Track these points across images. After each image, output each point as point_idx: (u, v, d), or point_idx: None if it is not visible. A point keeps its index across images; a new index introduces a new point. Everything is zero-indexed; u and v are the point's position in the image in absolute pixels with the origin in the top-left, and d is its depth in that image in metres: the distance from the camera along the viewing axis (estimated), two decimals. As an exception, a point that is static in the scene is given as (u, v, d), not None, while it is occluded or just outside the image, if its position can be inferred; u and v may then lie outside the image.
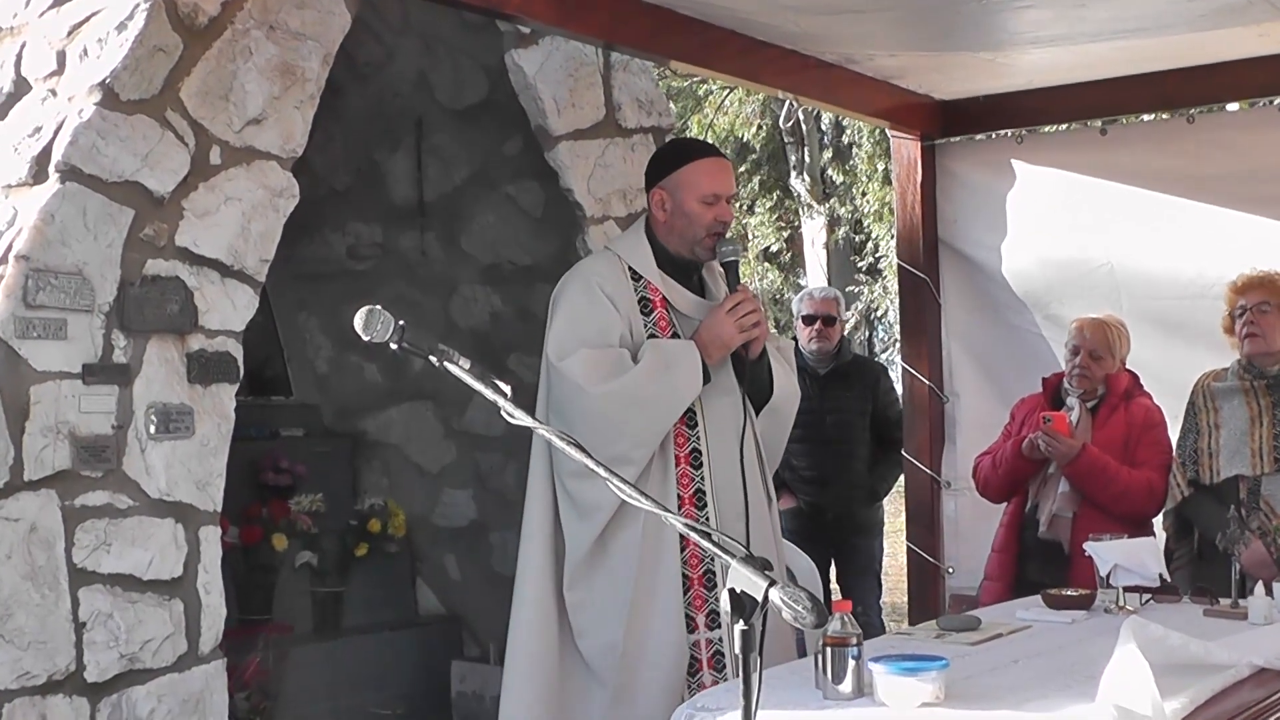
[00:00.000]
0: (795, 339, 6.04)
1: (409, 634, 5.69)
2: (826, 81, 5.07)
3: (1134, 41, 4.71)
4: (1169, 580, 3.83)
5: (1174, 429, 4.55)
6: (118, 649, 3.57)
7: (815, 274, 16.53)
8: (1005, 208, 5.62)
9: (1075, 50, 4.82)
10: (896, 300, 6.29)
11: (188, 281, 3.76)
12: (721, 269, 3.56)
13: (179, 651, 3.70)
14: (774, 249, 17.66)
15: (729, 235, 3.54)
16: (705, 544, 2.01)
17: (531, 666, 3.42)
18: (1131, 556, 3.69)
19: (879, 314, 17.43)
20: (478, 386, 2.20)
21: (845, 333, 6.25)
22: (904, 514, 5.94)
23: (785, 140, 16.44)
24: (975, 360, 5.76)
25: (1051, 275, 5.51)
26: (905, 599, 6.04)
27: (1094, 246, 5.41)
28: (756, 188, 17.34)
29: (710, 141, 15.76)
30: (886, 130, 6.13)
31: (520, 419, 2.16)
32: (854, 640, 2.65)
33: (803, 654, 3.49)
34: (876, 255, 16.29)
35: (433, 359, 2.27)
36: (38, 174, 3.56)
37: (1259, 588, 3.47)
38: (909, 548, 5.79)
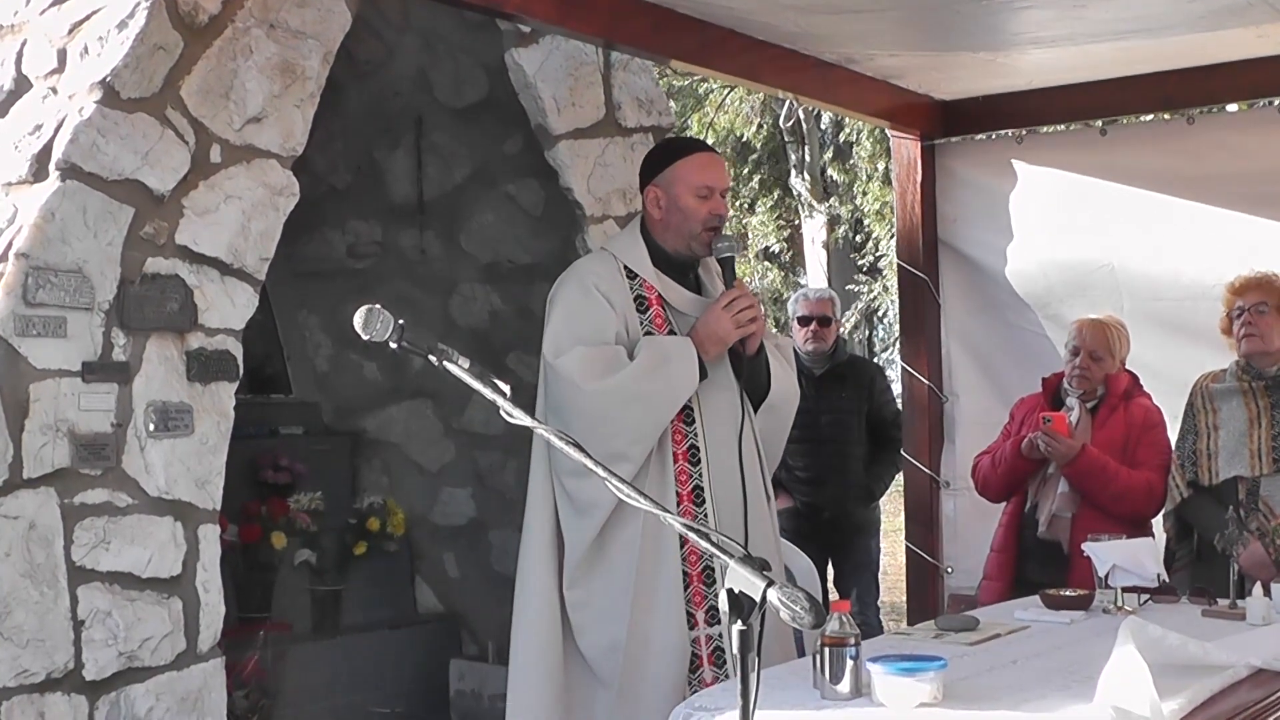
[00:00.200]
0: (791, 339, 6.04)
1: (408, 632, 5.69)
2: (826, 81, 5.07)
3: (1134, 42, 4.72)
4: (1167, 581, 3.83)
5: (1174, 429, 4.54)
6: (116, 647, 3.57)
7: (815, 273, 16.53)
8: (1005, 208, 5.62)
9: (1075, 51, 4.82)
10: (896, 299, 6.28)
11: (187, 280, 3.77)
12: (718, 265, 3.56)
13: (177, 650, 3.71)
14: (774, 248, 17.65)
15: (725, 231, 3.53)
16: (703, 544, 2.00)
17: (537, 669, 3.42)
18: (1130, 557, 3.68)
19: (879, 313, 17.43)
20: (477, 386, 2.20)
21: (842, 333, 6.25)
22: (903, 514, 5.94)
23: (785, 139, 16.44)
24: (975, 360, 5.76)
25: (1052, 276, 5.51)
26: (904, 598, 6.04)
27: (1094, 247, 5.41)
28: (757, 187, 17.34)
29: (707, 139, 15.80)
30: (886, 130, 6.13)
31: (519, 418, 2.16)
32: (852, 640, 2.65)
33: (803, 653, 3.50)
34: (877, 254, 16.29)
35: (432, 358, 2.27)
36: (38, 172, 3.57)
37: (1257, 588, 3.47)
38: (908, 547, 5.79)
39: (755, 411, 3.57)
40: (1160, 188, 5.29)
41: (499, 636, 5.44)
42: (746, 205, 17.47)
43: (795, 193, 16.77)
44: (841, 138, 16.02)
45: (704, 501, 3.43)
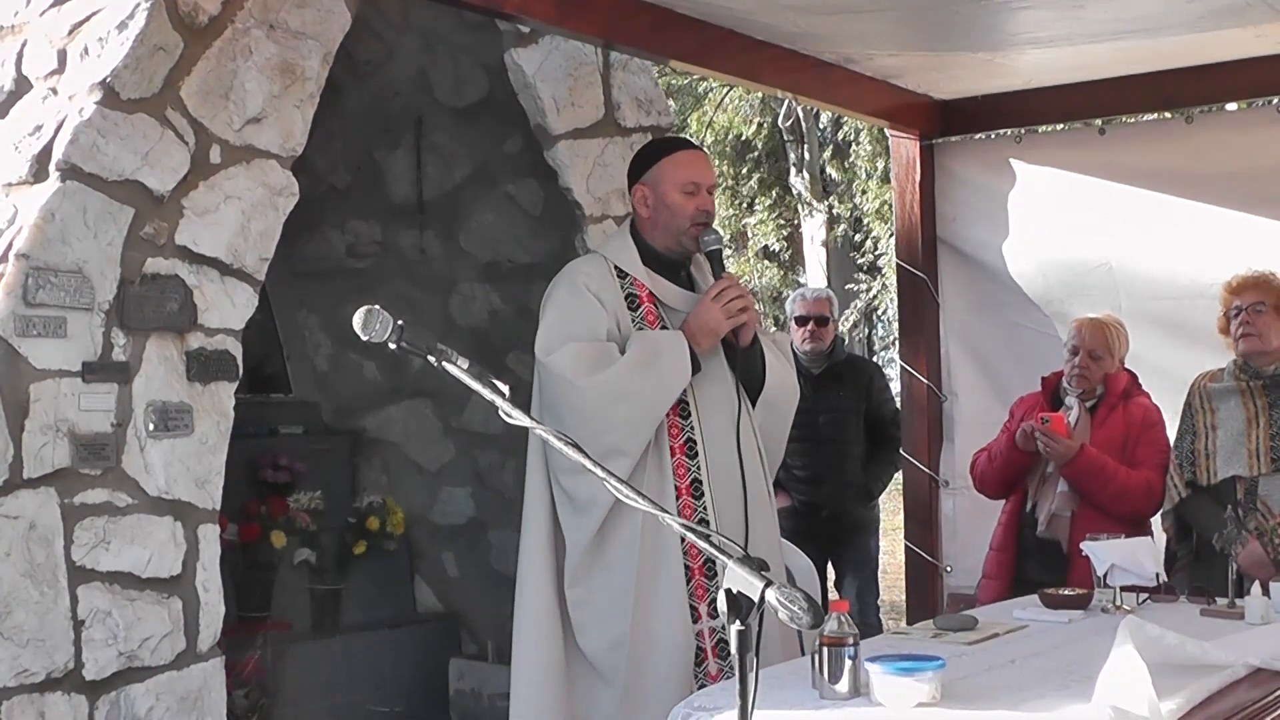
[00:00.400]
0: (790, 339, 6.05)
1: (407, 632, 5.69)
2: (825, 81, 5.07)
3: (1132, 42, 4.72)
4: (1166, 580, 3.83)
5: (1173, 428, 4.55)
6: (116, 647, 3.57)
7: (815, 272, 16.54)
8: (1004, 207, 5.62)
9: (1074, 50, 4.82)
10: (895, 298, 6.28)
11: (187, 280, 3.77)
12: (705, 259, 3.57)
13: (177, 649, 3.71)
14: (773, 247, 17.65)
15: (712, 226, 3.55)
16: (702, 544, 2.01)
17: (539, 669, 3.43)
18: (1128, 556, 3.69)
19: (879, 312, 17.43)
20: (476, 386, 2.21)
21: (841, 332, 6.25)
22: (902, 512, 5.94)
23: (785, 138, 16.43)
24: (974, 359, 5.76)
25: (1050, 275, 5.51)
26: (903, 597, 6.04)
27: (1092, 246, 5.41)
28: (756, 186, 17.34)
29: (706, 138, 15.80)
30: (885, 130, 6.13)
31: (518, 419, 2.16)
32: (851, 640, 2.66)
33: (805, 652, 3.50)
34: (876, 253, 16.28)
35: (431, 359, 2.27)
36: (38, 172, 3.57)
37: (1256, 588, 3.47)
38: (907, 546, 5.79)
39: (753, 405, 3.57)
40: (1159, 187, 5.29)
41: (498, 636, 5.45)
42: (746, 204, 17.47)
43: (794, 191, 16.77)
44: (840, 136, 16.01)
45: (703, 494, 3.43)
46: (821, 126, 16.42)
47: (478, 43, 5.28)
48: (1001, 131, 5.70)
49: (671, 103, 14.35)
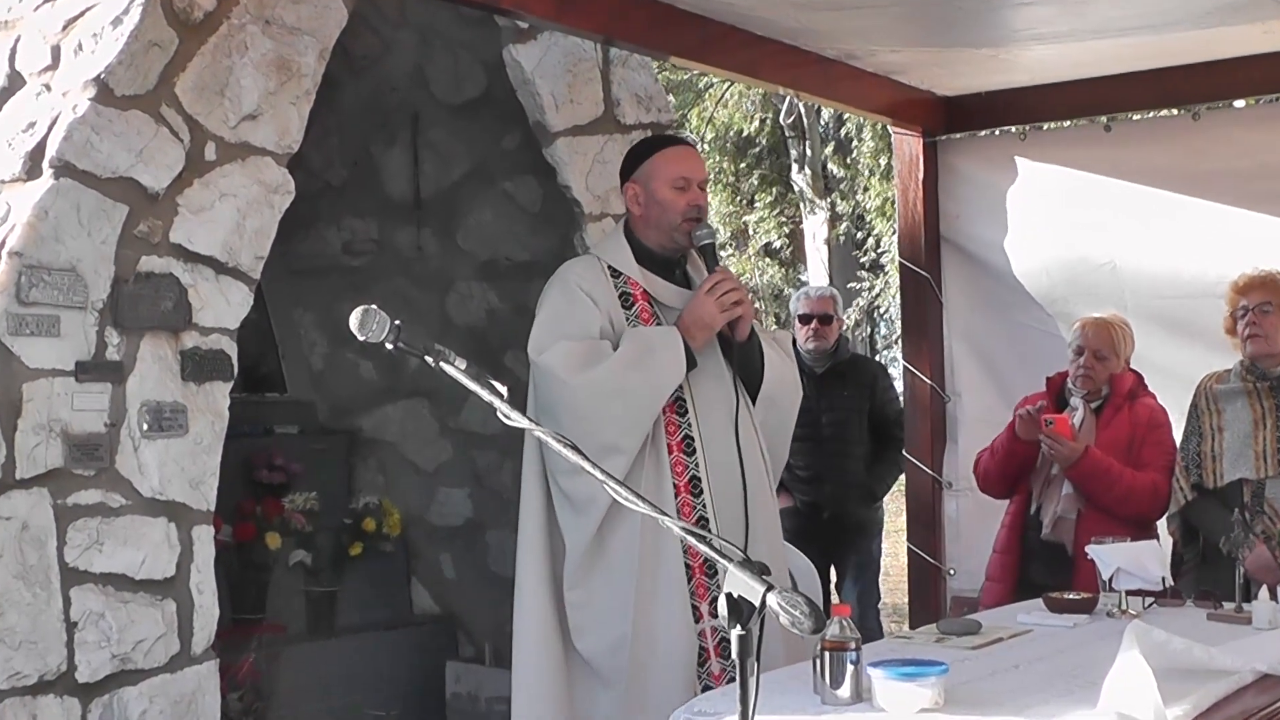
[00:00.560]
0: (794, 338, 6.05)
1: (403, 634, 5.69)
2: (827, 77, 5.07)
3: (1138, 38, 4.71)
4: (1172, 584, 3.83)
5: (1179, 429, 4.54)
6: (109, 649, 3.57)
7: (816, 270, 16.53)
8: (1008, 205, 5.61)
9: (1079, 46, 4.82)
10: (898, 297, 6.28)
11: (182, 278, 3.77)
12: (698, 253, 3.57)
13: (171, 652, 3.71)
14: (775, 245, 17.65)
15: (704, 221, 3.56)
16: (702, 548, 2.00)
17: (539, 672, 3.43)
18: (1134, 560, 3.69)
19: (881, 310, 17.43)
20: (474, 387, 2.21)
21: (843, 331, 6.25)
22: (905, 514, 5.94)
23: (786, 134, 16.43)
24: (977, 359, 5.75)
25: (1055, 274, 5.50)
26: (906, 600, 6.04)
27: (1097, 244, 5.40)
28: (757, 182, 17.34)
29: (707, 134, 15.80)
30: (888, 126, 6.13)
31: (516, 420, 2.17)
32: (852, 645, 2.66)
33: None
34: (879, 251, 16.28)
35: (428, 359, 2.28)
36: (31, 170, 3.57)
37: (1263, 592, 3.47)
38: (909, 548, 5.79)
39: (753, 401, 3.57)
40: (1164, 184, 5.28)
41: (496, 638, 5.44)
42: (746, 201, 17.47)
43: (796, 188, 16.77)
44: (843, 133, 16.00)
45: (701, 492, 3.44)
46: (824, 122, 16.41)
47: (476, 38, 5.28)
48: (1006, 128, 5.70)
49: (671, 98, 14.35)
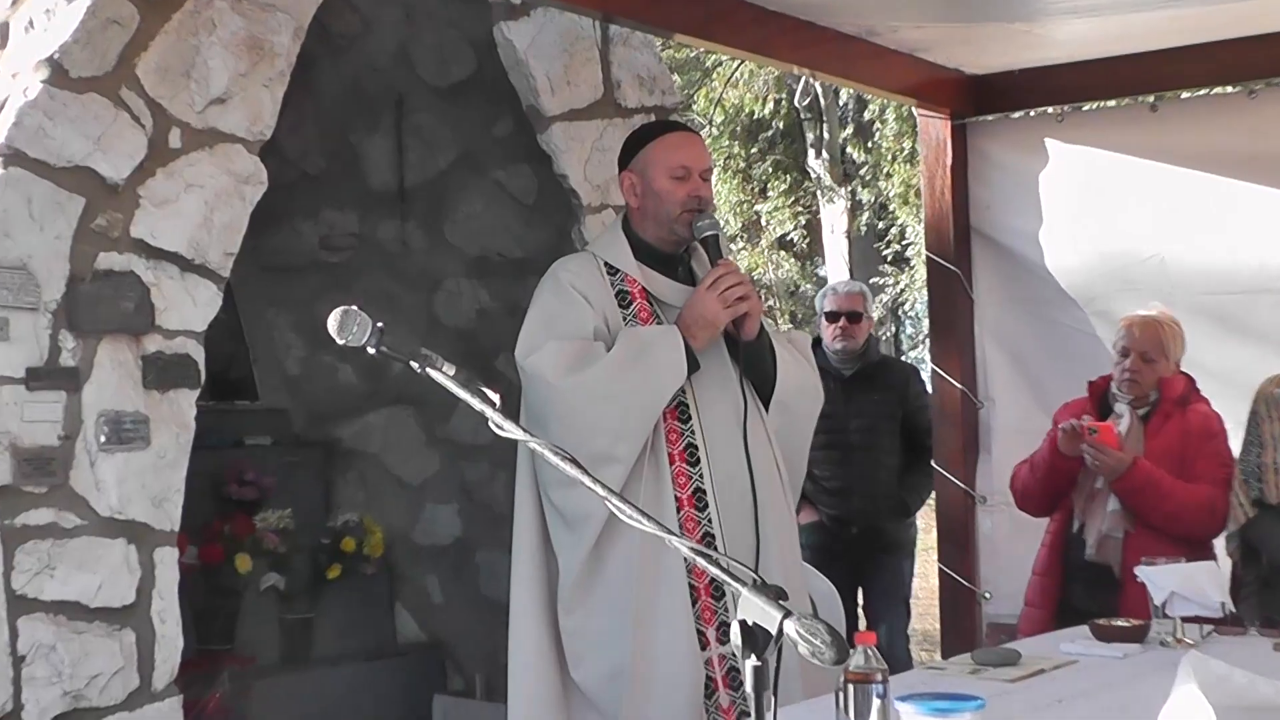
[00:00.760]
0: (819, 337, 6.05)
1: (386, 665, 5.69)
2: (845, 55, 5.06)
3: (1187, 9, 4.69)
4: (1233, 610, 3.80)
5: (1235, 437, 4.52)
6: (61, 685, 3.56)
7: (836, 264, 16.53)
8: (1043, 193, 5.61)
9: (1120, 19, 4.81)
10: (925, 293, 6.28)
11: (144, 277, 3.77)
12: (700, 246, 3.56)
13: (130, 687, 3.70)
14: (790, 237, 17.65)
15: (706, 212, 3.55)
16: (713, 570, 1.99)
17: (536, 708, 3.42)
18: (1190, 583, 3.66)
19: (906, 308, 17.43)
20: (463, 395, 2.22)
21: (873, 330, 6.25)
22: (935, 532, 5.92)
23: (802, 117, 16.43)
24: (1013, 361, 5.74)
25: (1096, 268, 5.50)
26: (937, 626, 6.02)
27: (1143, 236, 5.40)
28: (770, 169, 17.35)
29: (715, 117, 15.81)
30: (913, 108, 6.12)
31: (509, 431, 2.16)
32: (879, 676, 2.63)
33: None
34: (903, 243, 16.29)
35: (414, 364, 2.28)
36: (-22, 159, 3.56)
37: (1332, 618, 3.45)
38: (941, 570, 5.78)
39: (766, 407, 3.56)
40: (1218, 169, 5.27)
41: (488, 669, 5.43)
42: (759, 190, 17.47)
43: (813, 175, 16.77)
44: (865, 115, 16.00)
45: (707, 506, 3.42)
46: (842, 103, 16.42)
47: (464, 15, 5.27)
48: (1041, 109, 5.69)
49: (677, 79, 14.35)
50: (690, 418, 3.46)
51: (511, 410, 2.24)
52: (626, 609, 3.34)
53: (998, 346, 5.75)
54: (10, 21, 3.76)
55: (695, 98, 15.77)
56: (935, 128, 5.80)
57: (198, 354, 3.89)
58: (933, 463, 5.77)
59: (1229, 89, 5.37)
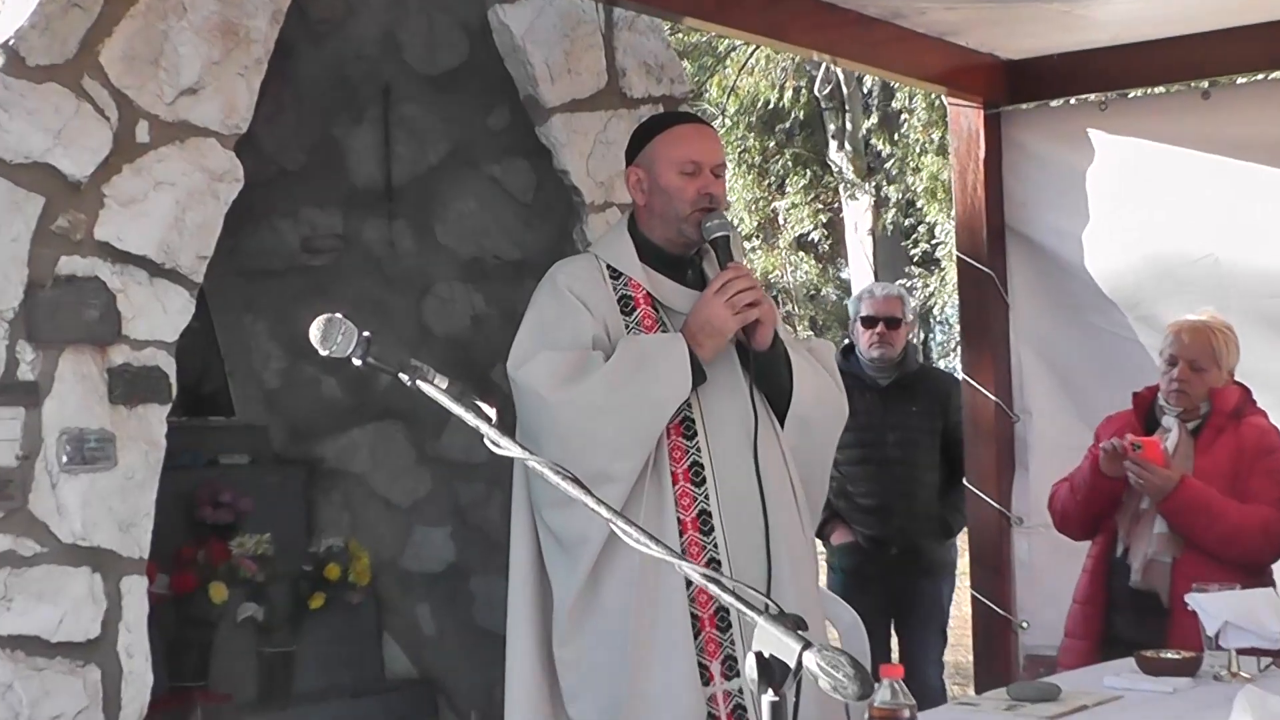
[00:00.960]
0: (852, 344, 6.07)
1: (374, 702, 5.68)
2: (869, 40, 5.08)
3: (1242, -12, 4.71)
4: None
5: (1294, 453, 4.53)
6: (20, 726, 3.56)
7: (859, 265, 16.56)
8: (1086, 188, 5.62)
9: (1170, -1, 4.82)
10: (956, 297, 6.30)
11: (109, 282, 3.77)
12: (710, 248, 3.56)
13: (95, 728, 3.70)
14: (810, 236, 17.66)
15: (718, 211, 3.55)
16: (727, 598, 1.99)
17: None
18: (1245, 611, 3.66)
19: (936, 313, 17.43)
20: (456, 409, 2.22)
21: (911, 337, 6.26)
22: (968, 555, 5.92)
23: (822, 106, 16.44)
24: (1051, 371, 5.75)
25: (1142, 269, 5.50)
26: (970, 658, 6.02)
27: (1194, 234, 5.40)
28: (790, 163, 17.36)
29: (729, 106, 15.81)
30: (943, 97, 6.13)
31: (506, 448, 2.17)
32: (906, 713, 2.63)
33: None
34: (933, 242, 16.29)
35: (403, 377, 2.28)
36: (-72, 154, 3.57)
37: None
38: (974, 596, 5.78)
39: (782, 423, 3.56)
40: (1275, 161, 5.27)
41: (484, 704, 5.43)
42: (776, 185, 17.48)
43: (835, 169, 16.79)
44: (892, 103, 16.00)
45: (712, 529, 3.42)
46: (867, 90, 16.42)
47: (456, -3, 5.28)
48: (1082, 97, 5.71)
49: (687, 65, 14.36)
50: (696, 434, 3.46)
51: (508, 426, 2.25)
52: (624, 640, 3.34)
53: (1035, 355, 5.76)
54: (-36, 6, 3.77)
55: (707, 86, 15.79)
56: (967, 117, 5.80)
57: (168, 366, 3.88)
58: (965, 481, 5.77)
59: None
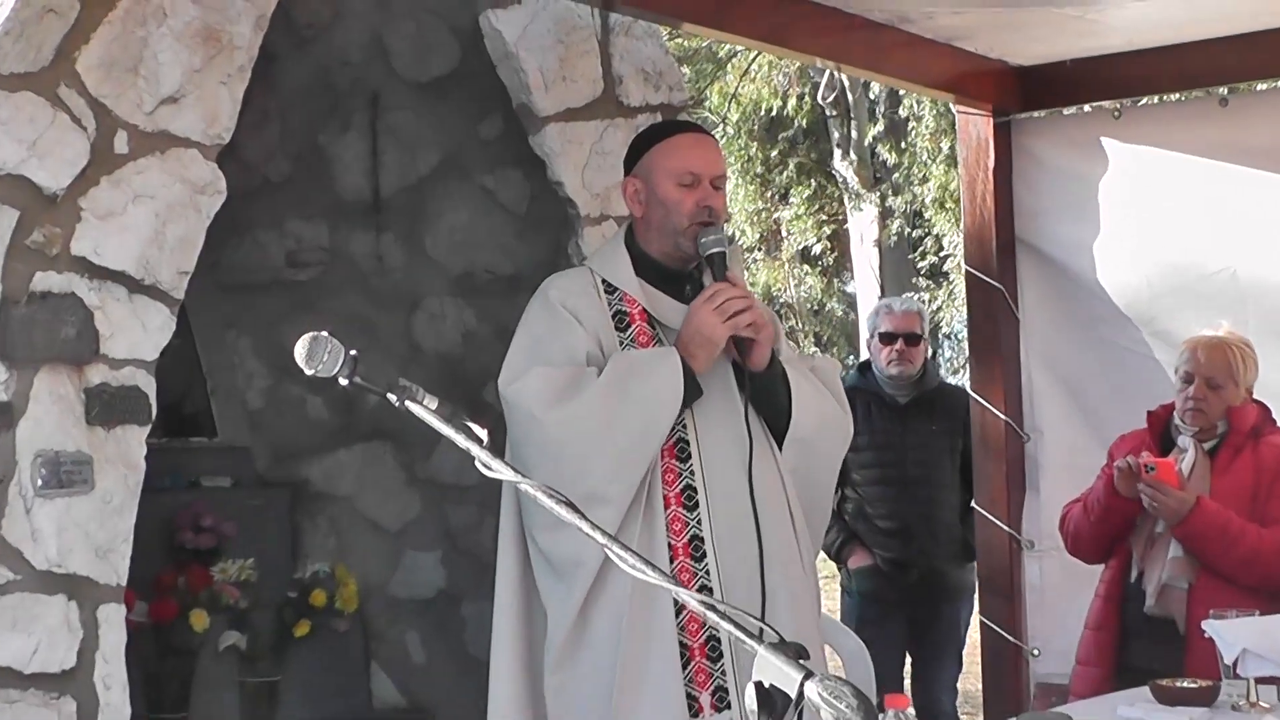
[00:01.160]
0: (867, 361, 6.09)
1: (362, 732, 5.68)
2: (875, 46, 5.08)
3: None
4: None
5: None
6: (-7, 761, 3.56)
7: (865, 277, 16.55)
8: (1099, 199, 5.62)
9: (1187, 2, 4.81)
10: (965, 312, 6.30)
11: (87, 299, 3.76)
12: (705, 263, 3.57)
13: (71, 763, 3.69)
14: (814, 248, 17.66)
15: (717, 225, 3.55)
16: (727, 626, 1.99)
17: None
18: (1265, 638, 3.65)
19: (944, 328, 17.42)
20: (446, 431, 2.22)
21: (929, 354, 6.29)
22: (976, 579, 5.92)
23: (827, 114, 16.45)
24: (1063, 388, 5.75)
25: (1158, 283, 5.50)
26: (979, 686, 6.01)
27: (1211, 247, 5.40)
28: (793, 172, 17.36)
29: (730, 114, 15.81)
30: (951, 105, 6.13)
31: (498, 470, 2.17)
32: (913, 745, 2.63)
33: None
34: (940, 254, 16.29)
35: (391, 397, 2.28)
36: (-103, 166, 3.58)
37: None
38: (983, 623, 5.77)
39: (780, 445, 3.56)
40: (1297, 171, 5.29)
41: (475, 737, 5.43)
42: (779, 196, 17.48)
43: (839, 179, 16.79)
44: (899, 111, 16.00)
45: (704, 556, 3.42)
46: (872, 97, 16.44)
47: (446, 1, 5.29)
48: (1096, 104, 5.71)
49: (686, 71, 14.37)
50: (690, 456, 3.46)
51: (500, 447, 2.25)
52: (613, 669, 3.34)
53: (1046, 372, 5.75)
54: (-65, 13, 3.77)
55: (707, 93, 15.79)
56: (976, 126, 5.80)
57: (148, 385, 3.88)
58: (973, 503, 5.77)
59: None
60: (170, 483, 5.34)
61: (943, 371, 18.62)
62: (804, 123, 16.87)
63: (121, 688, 3.79)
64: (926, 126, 15.26)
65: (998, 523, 5.69)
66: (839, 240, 17.64)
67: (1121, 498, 4.57)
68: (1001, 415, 5.70)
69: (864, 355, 6.66)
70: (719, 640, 3.38)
